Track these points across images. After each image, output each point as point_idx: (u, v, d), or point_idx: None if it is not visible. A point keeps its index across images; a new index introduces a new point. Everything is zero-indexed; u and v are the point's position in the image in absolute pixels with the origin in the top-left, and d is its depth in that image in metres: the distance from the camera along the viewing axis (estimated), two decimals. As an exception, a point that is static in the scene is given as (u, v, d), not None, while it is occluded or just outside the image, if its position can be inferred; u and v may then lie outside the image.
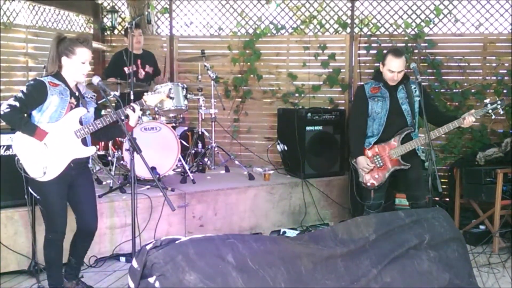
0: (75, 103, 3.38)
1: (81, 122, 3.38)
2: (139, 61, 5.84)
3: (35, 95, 3.23)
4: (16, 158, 3.30)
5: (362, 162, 4.18)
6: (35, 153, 3.25)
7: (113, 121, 3.37)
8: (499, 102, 3.95)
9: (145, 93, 3.66)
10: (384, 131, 4.15)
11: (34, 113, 3.30)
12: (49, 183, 3.29)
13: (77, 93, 3.42)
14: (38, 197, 3.37)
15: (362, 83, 4.39)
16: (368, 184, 4.21)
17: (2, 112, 3.17)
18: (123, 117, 3.37)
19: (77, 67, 3.32)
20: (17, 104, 3.17)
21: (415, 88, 4.17)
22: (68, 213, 3.47)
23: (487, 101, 4.01)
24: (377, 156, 4.17)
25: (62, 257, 3.52)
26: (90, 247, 3.70)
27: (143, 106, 3.59)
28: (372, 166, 4.16)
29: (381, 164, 4.16)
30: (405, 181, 4.23)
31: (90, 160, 3.64)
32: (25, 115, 3.26)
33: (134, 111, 3.42)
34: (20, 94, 3.21)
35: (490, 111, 3.96)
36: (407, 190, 4.27)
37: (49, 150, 3.26)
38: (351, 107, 4.52)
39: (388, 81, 4.14)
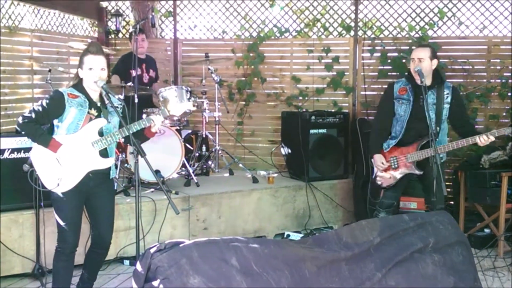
0: (95, 114, 3.33)
1: (102, 133, 3.33)
2: (143, 66, 5.86)
3: (52, 107, 3.24)
4: (31, 170, 3.31)
5: (377, 160, 4.20)
6: (51, 164, 3.25)
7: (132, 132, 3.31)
8: None
9: (167, 103, 3.58)
10: (404, 135, 4.13)
11: (55, 122, 3.31)
12: (65, 194, 3.27)
13: (98, 104, 3.37)
14: (53, 206, 3.35)
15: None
16: (379, 183, 4.24)
17: (18, 124, 3.22)
18: (131, 131, 3.29)
19: (87, 74, 3.30)
20: (33, 115, 3.20)
21: (448, 93, 4.09)
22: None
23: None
24: (394, 158, 4.17)
25: (72, 272, 3.41)
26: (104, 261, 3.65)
27: (166, 115, 3.49)
28: (387, 165, 4.17)
29: (396, 166, 4.16)
30: (423, 185, 4.24)
31: (114, 171, 3.49)
32: (43, 126, 3.25)
33: (155, 124, 3.37)
34: (38, 106, 3.23)
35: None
36: (425, 192, 4.26)
37: (65, 161, 3.24)
38: (378, 104, 4.53)
39: (414, 74, 4.04)
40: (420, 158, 4.08)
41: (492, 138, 3.90)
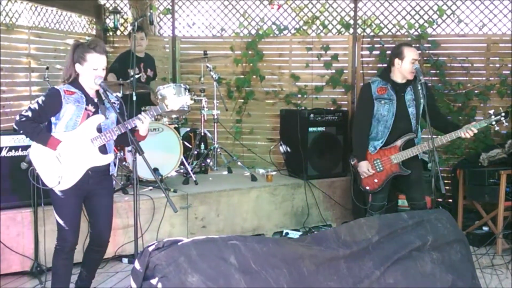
0: (93, 110, 3.31)
1: (100, 130, 3.31)
2: (142, 65, 5.84)
3: (49, 105, 3.22)
4: (31, 168, 3.30)
5: (363, 167, 4.10)
6: (51, 162, 3.23)
7: (130, 128, 3.29)
8: (503, 114, 3.86)
9: (165, 99, 3.57)
10: (390, 135, 4.07)
11: (53, 120, 3.29)
12: (64, 192, 3.26)
13: (95, 100, 3.35)
14: (52, 204, 3.34)
15: (368, 80, 4.28)
16: (367, 188, 4.17)
17: (16, 122, 3.21)
18: (130, 127, 3.28)
19: (89, 73, 3.27)
20: (30, 114, 3.18)
21: (421, 89, 4.07)
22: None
23: (491, 111, 3.94)
24: (378, 160, 4.10)
25: (71, 270, 3.41)
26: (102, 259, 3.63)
27: (164, 111, 3.45)
28: (373, 172, 4.10)
29: (381, 168, 4.09)
30: (405, 182, 4.18)
31: (113, 168, 3.48)
32: (40, 124, 3.24)
33: (142, 122, 3.32)
34: (34, 104, 3.22)
35: (493, 122, 3.90)
36: (407, 191, 4.24)
37: (65, 159, 3.23)
38: (356, 106, 4.47)
39: (407, 74, 4.01)
40: (405, 157, 4.04)
41: (475, 130, 3.91)
